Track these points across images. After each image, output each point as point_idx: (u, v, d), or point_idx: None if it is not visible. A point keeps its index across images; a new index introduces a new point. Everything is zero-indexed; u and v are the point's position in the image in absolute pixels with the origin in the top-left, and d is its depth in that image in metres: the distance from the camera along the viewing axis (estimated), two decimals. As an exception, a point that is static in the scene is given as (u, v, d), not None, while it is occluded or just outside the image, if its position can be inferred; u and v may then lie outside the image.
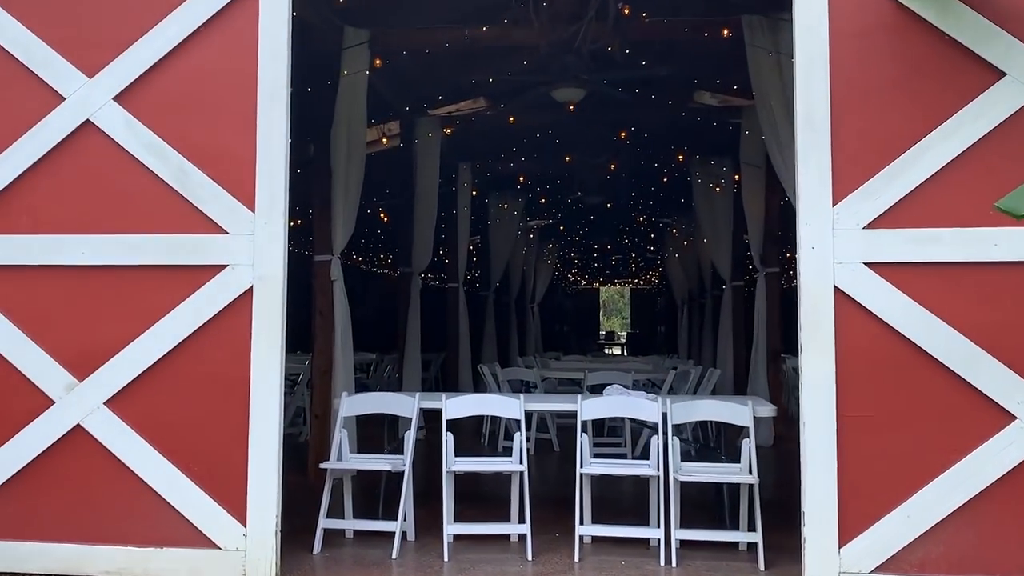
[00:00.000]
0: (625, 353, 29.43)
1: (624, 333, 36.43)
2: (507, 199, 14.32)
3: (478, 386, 13.32)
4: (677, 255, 19.45)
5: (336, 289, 7.24)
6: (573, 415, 5.25)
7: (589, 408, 5.25)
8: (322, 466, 5.09)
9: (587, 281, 32.75)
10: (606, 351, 31.01)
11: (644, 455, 8.72)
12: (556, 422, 9.13)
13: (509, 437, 9.07)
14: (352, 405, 5.38)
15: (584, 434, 5.12)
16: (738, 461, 5.09)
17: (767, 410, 5.26)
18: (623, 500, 6.46)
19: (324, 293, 7.22)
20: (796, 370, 12.18)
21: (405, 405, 5.28)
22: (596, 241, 21.28)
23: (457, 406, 5.25)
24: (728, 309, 12.41)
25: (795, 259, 4.64)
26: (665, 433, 5.10)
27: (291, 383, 9.93)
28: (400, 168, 10.02)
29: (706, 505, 5.89)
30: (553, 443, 9.06)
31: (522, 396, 5.28)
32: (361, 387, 12.30)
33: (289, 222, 4.60)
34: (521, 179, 12.62)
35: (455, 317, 12.38)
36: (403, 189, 10.02)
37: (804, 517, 4.37)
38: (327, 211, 7.26)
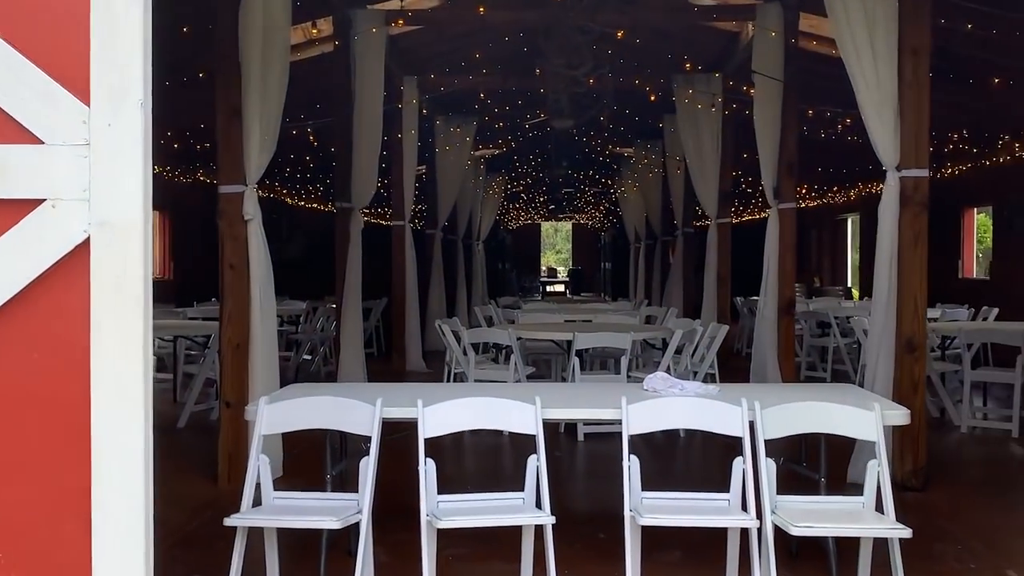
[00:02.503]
0: (568, 292, 28.37)
1: (563, 270, 35.49)
2: (458, 123, 12.49)
3: (426, 338, 11.64)
4: (636, 187, 17.93)
5: (252, 232, 5.33)
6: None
7: (639, 417, 3.46)
8: (228, 522, 3.21)
9: (528, 217, 31.35)
10: (548, 289, 29.98)
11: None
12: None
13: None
14: (275, 417, 3.46)
15: (633, 456, 3.38)
16: (850, 490, 3.46)
17: (899, 415, 3.57)
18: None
19: (235, 238, 5.28)
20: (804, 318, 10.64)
21: (359, 416, 3.40)
22: (548, 173, 19.52)
23: (441, 417, 3.40)
24: (713, 249, 11.02)
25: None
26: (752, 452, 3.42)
27: (202, 344, 8.06)
28: (333, 78, 7.98)
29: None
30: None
31: (538, 400, 3.47)
32: (292, 344, 10.48)
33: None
34: (481, 96, 10.68)
35: (400, 259, 10.72)
36: (338, 104, 7.99)
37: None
38: (236, 126, 5.29)
